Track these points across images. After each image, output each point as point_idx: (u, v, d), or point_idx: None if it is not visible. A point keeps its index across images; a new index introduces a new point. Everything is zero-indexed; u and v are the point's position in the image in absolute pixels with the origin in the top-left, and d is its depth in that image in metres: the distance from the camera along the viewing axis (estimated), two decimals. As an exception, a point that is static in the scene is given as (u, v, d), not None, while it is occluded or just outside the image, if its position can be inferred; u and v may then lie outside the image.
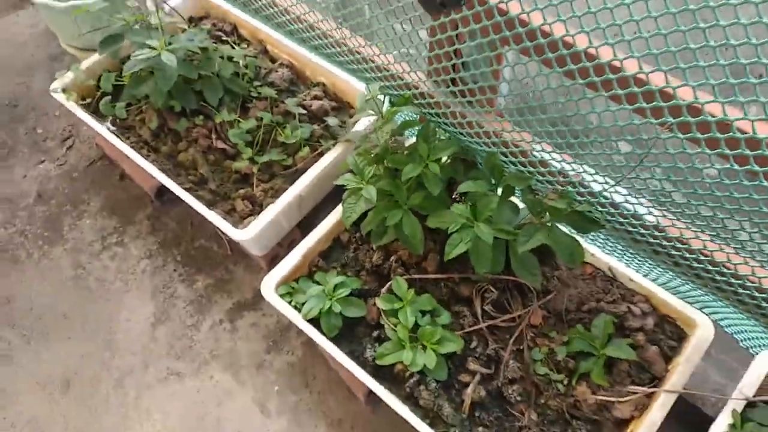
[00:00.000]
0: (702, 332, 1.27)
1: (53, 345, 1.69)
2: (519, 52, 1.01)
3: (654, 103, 0.85)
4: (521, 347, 1.30)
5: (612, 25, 0.81)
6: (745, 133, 0.78)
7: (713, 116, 0.81)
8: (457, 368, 1.30)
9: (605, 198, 1.12)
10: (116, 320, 1.72)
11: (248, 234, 1.49)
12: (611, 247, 1.36)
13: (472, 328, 1.31)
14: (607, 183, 1.08)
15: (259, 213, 1.59)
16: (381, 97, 1.41)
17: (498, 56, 1.12)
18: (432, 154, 1.30)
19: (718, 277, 1.08)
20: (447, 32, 1.09)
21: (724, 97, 0.79)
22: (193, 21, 2.02)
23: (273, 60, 1.93)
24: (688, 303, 1.32)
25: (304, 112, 1.75)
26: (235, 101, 1.76)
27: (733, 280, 1.05)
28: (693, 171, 0.90)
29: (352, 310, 1.35)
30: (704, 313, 1.32)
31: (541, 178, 1.21)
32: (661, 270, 1.29)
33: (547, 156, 1.14)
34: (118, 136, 1.72)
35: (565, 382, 1.26)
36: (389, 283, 1.37)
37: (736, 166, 0.83)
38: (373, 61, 1.34)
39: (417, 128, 1.40)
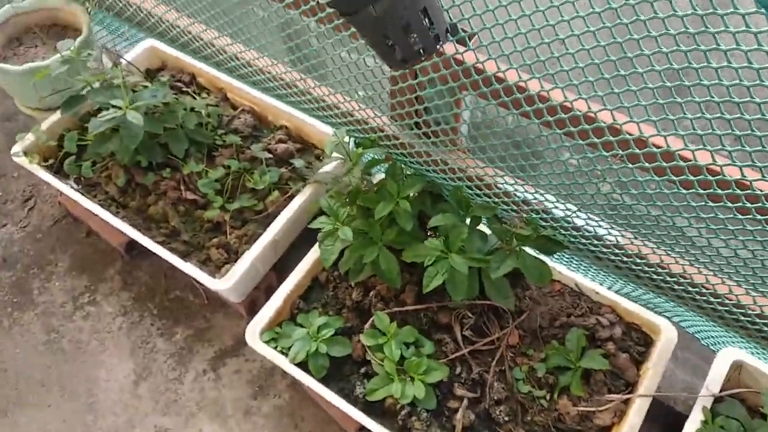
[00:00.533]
0: (666, 336, 1.36)
1: (32, 413, 1.65)
2: (477, 96, 1.09)
3: (604, 138, 0.94)
4: (503, 368, 1.36)
5: (561, 70, 0.90)
6: (688, 161, 0.88)
7: (658, 147, 0.90)
8: (444, 395, 1.35)
9: (567, 222, 1.20)
10: (96, 381, 1.69)
11: (227, 283, 1.50)
12: (576, 264, 1.45)
13: (455, 355, 1.37)
14: (568, 209, 1.16)
15: (235, 260, 1.61)
16: (346, 139, 1.47)
17: (457, 101, 1.20)
18: (401, 191, 1.37)
19: (675, 287, 1.17)
20: (408, 81, 1.16)
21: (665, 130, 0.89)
22: (151, 73, 2.04)
23: (234, 107, 1.96)
24: (650, 309, 1.41)
25: (270, 156, 1.79)
26: (201, 151, 1.79)
27: (690, 288, 1.14)
28: (645, 195, 0.98)
29: (337, 349, 1.39)
30: (665, 317, 1.41)
31: (506, 207, 1.29)
32: (623, 282, 1.38)
33: (510, 188, 1.22)
34: (84, 195, 1.72)
35: (548, 398, 1.33)
36: (371, 318, 1.41)
37: (683, 190, 0.92)
38: (338, 108, 1.40)
39: (384, 165, 1.46)
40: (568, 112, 0.95)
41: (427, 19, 0.92)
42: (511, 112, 1.03)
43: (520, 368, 1.36)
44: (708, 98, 0.78)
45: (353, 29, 1.06)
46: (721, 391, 1.28)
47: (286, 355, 1.39)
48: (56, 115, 1.84)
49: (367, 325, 1.41)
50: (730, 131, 0.79)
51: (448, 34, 0.98)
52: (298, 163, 1.77)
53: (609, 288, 1.47)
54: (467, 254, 1.29)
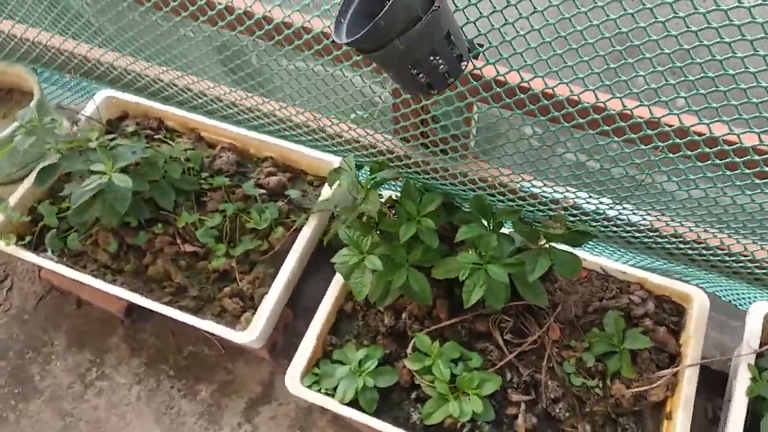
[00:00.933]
0: (698, 303, 1.39)
1: None
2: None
3: (643, 132, 0.94)
4: (551, 365, 1.36)
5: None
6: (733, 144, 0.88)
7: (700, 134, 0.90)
8: (500, 404, 1.34)
9: (599, 214, 1.20)
10: (125, 459, 1.60)
11: (252, 335, 1.44)
12: (600, 249, 1.46)
13: (502, 362, 1.36)
14: (602, 203, 1.16)
15: (251, 307, 1.55)
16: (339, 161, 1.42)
17: (469, 105, 1.17)
18: (420, 209, 1.34)
19: (711, 258, 1.19)
20: (420, 102, 1.12)
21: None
22: (112, 124, 1.92)
23: (211, 145, 1.87)
24: (677, 279, 1.44)
25: (263, 191, 1.72)
26: (189, 198, 1.70)
27: (727, 258, 1.17)
28: (685, 181, 0.99)
29: (384, 380, 1.35)
30: (692, 284, 1.45)
31: (531, 208, 1.28)
32: (649, 259, 1.40)
33: (537, 189, 1.21)
34: (72, 267, 1.60)
35: (601, 385, 1.34)
36: (412, 341, 1.39)
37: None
38: (340, 136, 1.35)
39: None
40: (601, 111, 0.94)
41: (450, 42, 0.90)
42: (514, 112, 1.02)
43: (569, 362, 1.36)
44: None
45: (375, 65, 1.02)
46: (761, 346, 1.33)
47: (333, 395, 1.35)
48: (23, 188, 1.71)
49: (409, 349, 1.38)
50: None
51: (469, 52, 0.95)
52: (293, 193, 1.71)
53: (632, 265, 1.49)
54: (501, 261, 1.28)
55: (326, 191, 1.70)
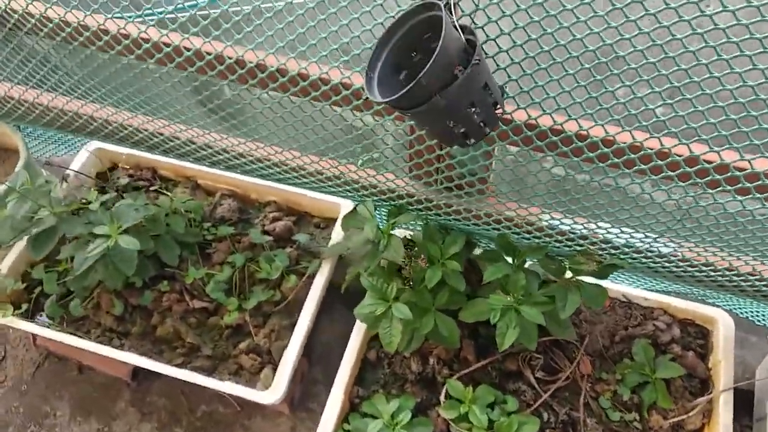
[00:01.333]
0: (724, 325, 1.39)
1: None
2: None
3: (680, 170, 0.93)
4: (587, 401, 1.34)
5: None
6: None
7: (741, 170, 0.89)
8: (540, 446, 1.31)
9: (629, 247, 1.19)
10: None
11: (277, 394, 1.38)
12: (622, 278, 1.45)
13: (537, 403, 1.33)
14: (632, 238, 1.15)
15: (269, 362, 1.49)
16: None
17: (489, 153, 1.15)
18: (444, 252, 1.31)
19: (742, 284, 1.19)
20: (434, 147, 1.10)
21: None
22: (102, 177, 1.85)
23: (209, 193, 1.82)
24: (700, 301, 1.44)
25: (270, 237, 1.67)
26: (193, 251, 1.64)
27: (757, 283, 1.17)
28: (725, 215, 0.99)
29: (420, 431, 1.31)
30: (709, 302, 1.45)
31: (558, 244, 1.26)
32: (675, 285, 1.40)
33: (566, 227, 1.19)
34: (74, 335, 1.52)
35: (638, 418, 1.32)
36: (442, 388, 1.35)
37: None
38: (356, 182, 1.32)
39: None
40: (638, 151, 0.93)
41: (487, 92, 0.88)
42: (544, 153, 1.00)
43: (604, 396, 1.34)
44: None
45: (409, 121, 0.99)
46: (790, 365, 1.33)
47: (367, 452, 1.29)
48: (14, 252, 1.62)
49: (441, 396, 1.34)
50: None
51: (504, 98, 0.94)
52: (301, 238, 1.67)
53: (649, 289, 1.49)
54: (531, 300, 1.25)
55: (336, 234, 1.66)
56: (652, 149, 0.93)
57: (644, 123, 0.90)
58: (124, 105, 1.34)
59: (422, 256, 1.38)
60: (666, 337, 1.41)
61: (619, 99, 0.89)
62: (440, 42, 0.78)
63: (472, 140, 0.92)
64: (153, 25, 1.04)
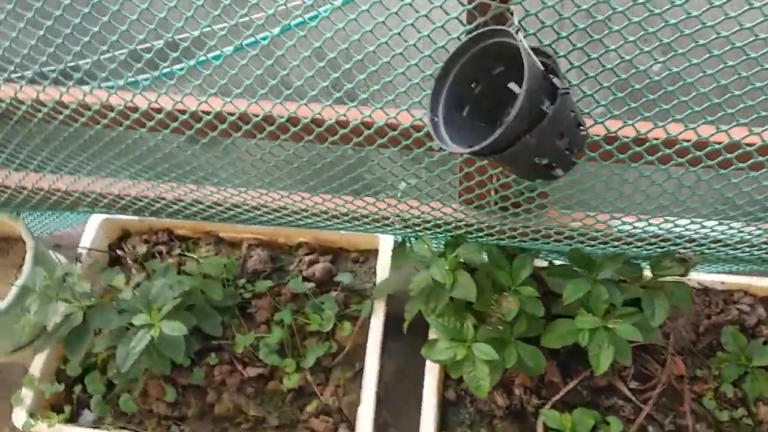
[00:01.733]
0: (812, 296, 1.32)
1: None
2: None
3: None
4: (690, 404, 1.27)
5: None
6: None
7: None
8: (651, 462, 1.23)
9: (717, 242, 1.11)
10: None
11: (363, 456, 1.29)
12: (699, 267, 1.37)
13: (641, 417, 1.25)
14: (724, 233, 1.06)
15: (342, 420, 1.40)
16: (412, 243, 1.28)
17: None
18: (514, 278, 1.22)
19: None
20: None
21: None
22: (114, 248, 1.72)
23: (233, 245, 1.70)
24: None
25: (311, 284, 1.56)
26: (234, 315, 1.53)
27: None
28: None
29: (523, 471, 1.23)
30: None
31: (636, 249, 1.18)
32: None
33: (638, 230, 1.10)
34: (128, 429, 1.41)
35: (746, 413, 1.25)
36: (536, 419, 1.27)
37: None
38: (406, 219, 1.21)
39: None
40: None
41: (576, 119, 0.78)
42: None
43: (706, 396, 1.27)
44: None
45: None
46: None
47: (471, 503, 1.21)
48: (43, 353, 1.49)
49: (539, 429, 1.26)
50: None
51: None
52: (345, 278, 1.56)
53: (719, 272, 1.41)
54: (618, 314, 1.17)
55: (380, 268, 1.56)
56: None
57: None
58: (142, 177, 1.22)
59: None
60: (752, 319, 1.34)
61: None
62: (525, 78, 0.67)
63: (559, 171, 0.82)
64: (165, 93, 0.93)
